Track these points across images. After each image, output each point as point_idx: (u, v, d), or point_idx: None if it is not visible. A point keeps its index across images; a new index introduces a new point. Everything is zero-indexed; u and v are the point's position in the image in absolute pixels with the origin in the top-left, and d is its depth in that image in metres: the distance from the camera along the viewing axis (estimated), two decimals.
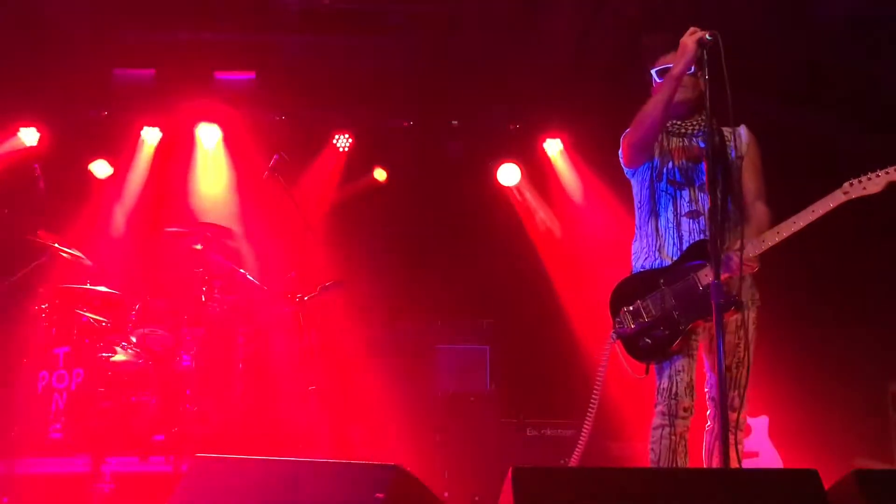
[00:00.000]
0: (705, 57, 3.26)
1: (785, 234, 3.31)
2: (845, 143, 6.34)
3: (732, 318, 3.43)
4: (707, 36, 3.26)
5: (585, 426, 3.65)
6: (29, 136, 7.01)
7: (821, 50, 6.12)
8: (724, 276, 3.23)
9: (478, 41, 6.47)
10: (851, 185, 3.26)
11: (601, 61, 6.48)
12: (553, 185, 7.47)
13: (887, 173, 3.23)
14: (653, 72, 3.62)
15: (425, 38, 6.54)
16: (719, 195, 3.35)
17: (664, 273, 3.49)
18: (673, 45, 3.42)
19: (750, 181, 3.62)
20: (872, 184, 3.24)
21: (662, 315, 3.43)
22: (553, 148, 7.41)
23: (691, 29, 3.35)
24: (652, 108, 3.50)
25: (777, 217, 3.53)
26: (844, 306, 6.28)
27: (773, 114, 6.19)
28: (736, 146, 3.63)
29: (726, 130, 3.62)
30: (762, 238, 3.35)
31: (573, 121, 7.26)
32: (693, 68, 3.38)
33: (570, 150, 7.39)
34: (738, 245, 3.32)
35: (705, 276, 3.37)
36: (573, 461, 3.74)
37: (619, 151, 3.75)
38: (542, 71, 6.70)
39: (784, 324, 5.93)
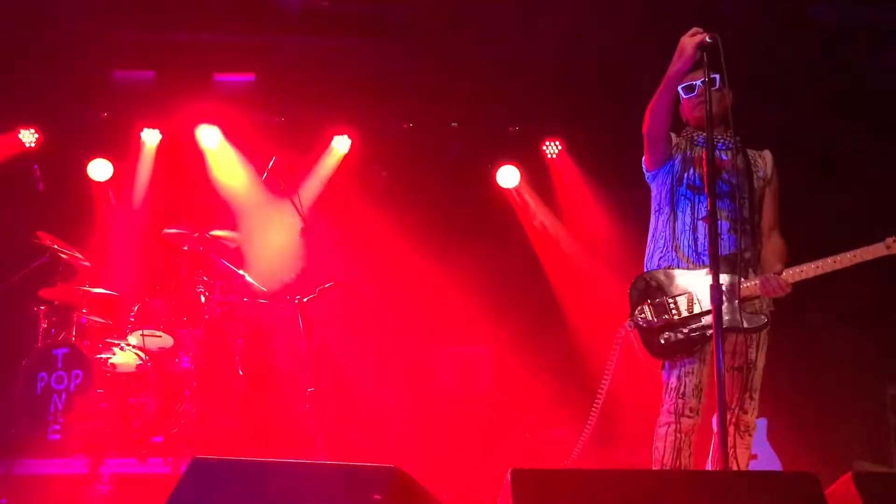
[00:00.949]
0: (705, 59, 3.26)
1: (822, 271, 3.41)
2: (843, 144, 6.35)
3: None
4: (707, 38, 3.26)
5: (592, 415, 3.69)
6: (28, 138, 7.00)
7: (819, 52, 6.13)
8: (758, 295, 3.43)
9: (477, 43, 6.47)
10: (894, 241, 3.36)
11: (600, 64, 6.47)
12: (553, 187, 7.47)
13: None
14: (679, 88, 3.66)
15: (425, 40, 6.54)
16: (743, 207, 3.53)
17: (695, 277, 3.52)
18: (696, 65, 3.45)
19: (770, 208, 3.72)
20: None
21: (689, 317, 3.48)
22: (552, 150, 7.41)
23: (693, 29, 3.35)
24: (652, 106, 3.57)
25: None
26: (843, 310, 6.28)
27: (772, 115, 6.20)
28: (763, 168, 3.72)
29: (751, 151, 3.72)
30: (801, 269, 3.43)
31: (572, 123, 7.26)
32: (718, 83, 3.45)
33: (569, 151, 7.39)
34: (777, 269, 3.47)
35: (742, 289, 3.43)
36: (578, 448, 3.78)
37: (643, 158, 3.82)
38: (541, 73, 6.69)
39: (783, 327, 5.94)
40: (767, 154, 3.78)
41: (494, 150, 7.47)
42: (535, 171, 7.47)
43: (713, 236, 3.17)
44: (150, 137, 7.23)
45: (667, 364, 3.57)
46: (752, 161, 3.70)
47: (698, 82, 3.59)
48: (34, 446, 5.11)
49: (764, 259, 3.59)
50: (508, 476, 2.48)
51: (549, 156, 7.43)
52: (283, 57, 6.74)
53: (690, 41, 3.32)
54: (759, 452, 5.46)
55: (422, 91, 7.05)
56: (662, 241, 3.67)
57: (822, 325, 6.27)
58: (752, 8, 5.69)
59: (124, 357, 5.74)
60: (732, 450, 3.43)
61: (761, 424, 5.56)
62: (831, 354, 6.22)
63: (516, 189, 7.52)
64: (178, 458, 5.07)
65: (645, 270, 3.72)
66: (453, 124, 7.43)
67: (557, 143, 7.40)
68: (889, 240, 3.37)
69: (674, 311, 3.50)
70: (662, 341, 3.51)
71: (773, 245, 3.67)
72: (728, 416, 3.46)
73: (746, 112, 3.42)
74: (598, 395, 3.66)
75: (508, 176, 7.46)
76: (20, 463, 4.91)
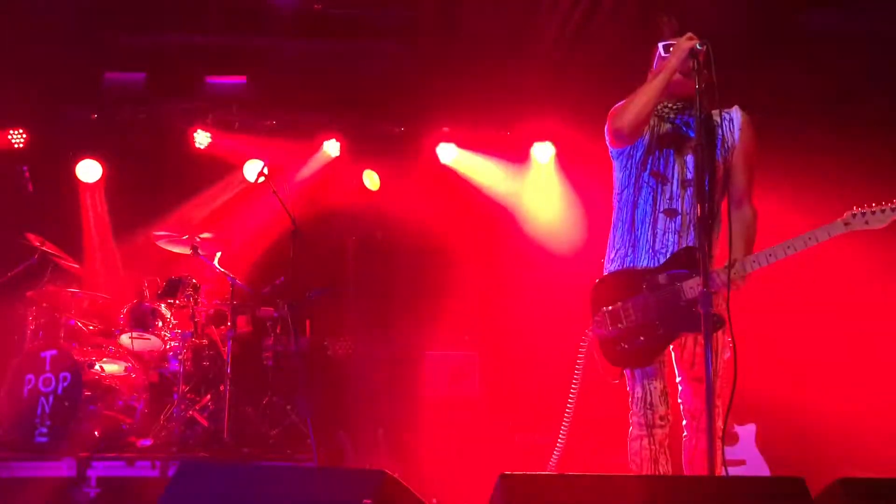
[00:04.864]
0: (695, 66, 3.25)
1: (777, 258, 3.15)
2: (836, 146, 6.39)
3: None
4: (698, 45, 3.26)
5: (563, 428, 3.63)
6: (16, 138, 6.96)
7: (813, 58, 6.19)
8: (712, 291, 3.09)
9: (470, 46, 6.49)
10: (854, 216, 3.07)
11: (593, 67, 6.49)
12: (544, 191, 7.48)
13: (893, 210, 3.03)
14: (660, 45, 3.40)
15: (417, 43, 6.55)
16: (699, 196, 3.16)
17: (647, 276, 3.35)
18: (681, 31, 3.29)
19: (740, 174, 3.42)
20: (876, 219, 3.05)
21: (644, 322, 3.32)
22: (543, 153, 7.42)
23: (688, 34, 3.32)
24: (643, 94, 3.34)
25: (762, 221, 3.48)
26: (833, 314, 6.31)
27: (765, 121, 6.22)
28: (725, 134, 3.43)
29: (717, 114, 3.44)
30: (753, 258, 3.20)
31: (564, 127, 7.27)
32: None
33: (561, 155, 7.40)
34: (726, 263, 3.16)
35: (690, 289, 3.23)
36: (553, 465, 3.74)
37: (606, 128, 3.55)
38: (534, 76, 6.71)
39: (772, 331, 5.97)
40: (735, 113, 3.46)
41: (486, 154, 7.48)
42: (528, 173, 7.48)
43: (702, 241, 3.09)
44: (141, 139, 7.21)
45: (627, 373, 3.43)
46: (719, 127, 3.40)
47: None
48: (21, 449, 5.08)
49: (731, 240, 3.21)
50: (497, 480, 2.48)
51: (539, 159, 7.45)
52: (274, 60, 6.74)
53: (687, 42, 3.23)
54: (747, 458, 5.48)
55: (413, 95, 7.06)
56: (620, 234, 3.49)
57: (812, 329, 6.29)
58: (741, 21, 5.71)
59: (113, 360, 5.71)
60: (716, 456, 3.40)
61: (750, 430, 5.58)
62: (821, 358, 6.24)
63: (509, 192, 7.53)
64: (167, 462, 5.05)
65: (606, 264, 3.56)
66: (445, 129, 7.44)
67: (548, 145, 7.41)
68: (847, 214, 3.09)
69: (626, 318, 3.35)
70: (619, 350, 3.37)
71: (740, 219, 3.36)
72: (695, 425, 3.42)
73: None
74: (569, 405, 3.60)
75: (500, 180, 7.48)
76: (6, 466, 4.87)
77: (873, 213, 3.07)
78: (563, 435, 3.68)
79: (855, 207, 3.10)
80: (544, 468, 5.22)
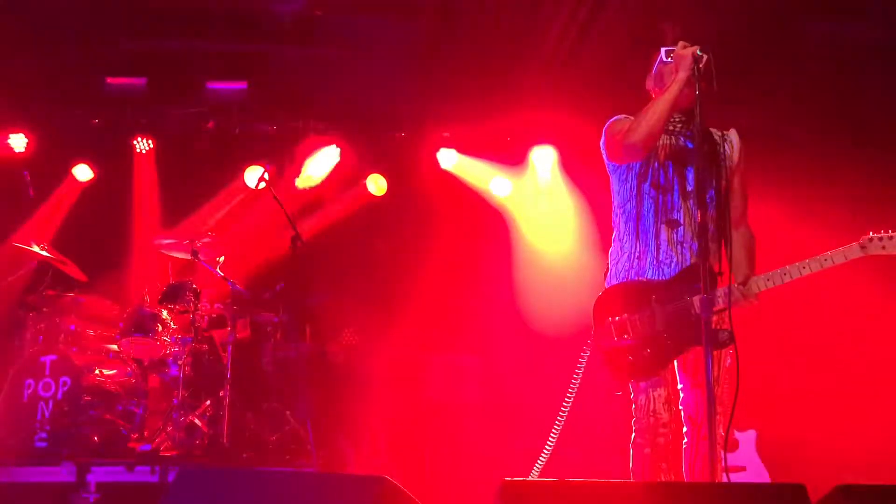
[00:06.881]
0: (696, 73, 3.25)
1: (792, 277, 3.19)
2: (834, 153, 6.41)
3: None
4: (697, 51, 3.26)
5: (552, 437, 3.62)
6: (18, 142, 6.97)
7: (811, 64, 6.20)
8: (723, 308, 3.15)
9: (470, 52, 6.50)
10: (871, 240, 3.12)
11: (594, 70, 6.51)
12: (546, 195, 7.48)
13: None
14: (662, 50, 3.40)
15: (417, 48, 6.56)
16: (707, 206, 3.21)
17: (657, 289, 3.35)
18: (684, 37, 3.32)
19: (738, 197, 3.49)
20: (893, 244, 3.10)
21: (651, 335, 3.32)
22: (545, 159, 7.42)
23: (682, 43, 3.34)
24: (655, 109, 3.32)
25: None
26: (834, 319, 6.31)
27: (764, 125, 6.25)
28: (726, 154, 3.49)
29: (715, 133, 3.50)
30: (768, 277, 3.24)
31: (566, 130, 7.27)
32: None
33: (562, 161, 7.41)
34: (741, 279, 3.28)
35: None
36: (538, 469, 3.72)
37: (603, 142, 3.56)
38: (535, 80, 6.72)
39: (773, 337, 5.97)
40: (734, 135, 3.52)
41: (486, 159, 7.49)
42: (528, 179, 7.48)
43: (703, 249, 3.11)
44: (142, 145, 7.22)
45: (631, 382, 3.43)
46: (719, 146, 3.44)
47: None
48: (20, 454, 5.07)
49: (735, 260, 3.34)
50: (498, 486, 2.48)
51: (541, 164, 7.44)
52: (275, 65, 6.75)
53: (687, 51, 3.25)
54: (747, 464, 5.47)
55: (414, 100, 7.07)
56: (626, 246, 3.48)
57: (812, 334, 6.29)
58: (742, 27, 5.72)
59: (113, 364, 5.71)
60: (716, 463, 3.39)
61: (750, 436, 5.58)
62: (821, 364, 6.24)
63: (509, 198, 7.53)
64: (166, 467, 5.04)
65: (609, 274, 3.55)
66: (445, 134, 7.44)
67: (550, 150, 7.41)
68: (864, 239, 3.13)
69: (633, 330, 3.34)
70: (624, 363, 3.36)
71: (741, 241, 3.41)
72: (697, 431, 3.40)
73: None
74: (560, 415, 3.58)
75: (501, 185, 7.48)
76: (5, 471, 4.87)
77: (890, 238, 3.11)
78: (551, 444, 3.66)
79: (871, 232, 3.15)
80: (546, 474, 5.21)
